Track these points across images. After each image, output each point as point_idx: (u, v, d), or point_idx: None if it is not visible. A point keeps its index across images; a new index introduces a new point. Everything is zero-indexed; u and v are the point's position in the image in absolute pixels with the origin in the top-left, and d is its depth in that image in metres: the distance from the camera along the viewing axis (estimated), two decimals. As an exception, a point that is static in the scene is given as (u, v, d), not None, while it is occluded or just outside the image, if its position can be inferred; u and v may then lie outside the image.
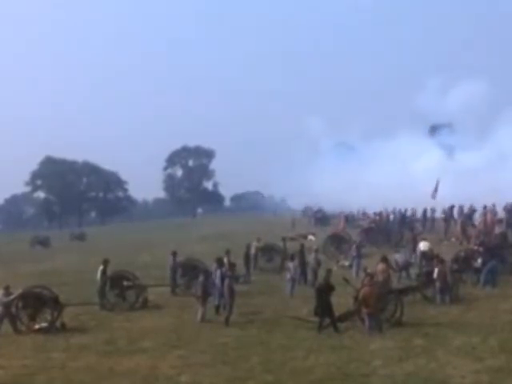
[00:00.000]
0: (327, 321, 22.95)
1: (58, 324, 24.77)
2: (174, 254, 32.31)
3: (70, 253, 57.62)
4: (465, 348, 19.90)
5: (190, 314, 26.36)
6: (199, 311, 25.40)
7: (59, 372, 19.10)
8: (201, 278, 26.10)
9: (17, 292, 25.00)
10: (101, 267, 28.92)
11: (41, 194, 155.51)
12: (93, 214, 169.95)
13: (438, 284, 26.21)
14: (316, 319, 23.18)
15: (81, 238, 78.90)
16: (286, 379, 17.70)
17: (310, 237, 51.86)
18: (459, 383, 16.79)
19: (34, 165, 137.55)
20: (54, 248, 67.32)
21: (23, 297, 24.89)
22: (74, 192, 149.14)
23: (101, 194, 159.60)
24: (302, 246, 34.91)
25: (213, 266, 28.27)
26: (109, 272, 29.11)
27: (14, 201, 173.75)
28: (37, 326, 24.60)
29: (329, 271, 23.92)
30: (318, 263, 32.91)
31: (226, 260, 29.24)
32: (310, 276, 32.60)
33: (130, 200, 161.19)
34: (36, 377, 18.62)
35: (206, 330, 24.10)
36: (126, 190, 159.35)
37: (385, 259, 26.72)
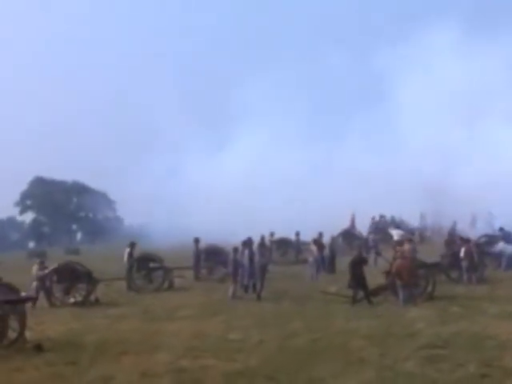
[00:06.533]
0: (360, 294, 23.33)
1: (92, 298, 24.99)
2: (197, 240, 32.61)
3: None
4: (502, 314, 20.34)
5: (218, 294, 26.64)
6: (230, 288, 25.77)
7: (107, 332, 19.41)
8: (232, 256, 26.43)
9: (52, 266, 25.22)
10: (127, 249, 29.25)
11: (29, 216, 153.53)
12: (79, 235, 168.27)
13: (464, 263, 26.67)
14: (349, 293, 23.54)
15: (75, 252, 78.44)
16: (334, 336, 18.03)
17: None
18: (507, 339, 17.06)
19: (21, 187, 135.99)
20: (52, 259, 66.96)
21: (58, 271, 25.19)
22: (64, 212, 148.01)
23: (90, 215, 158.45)
24: (320, 234, 35.12)
25: (240, 248, 28.50)
26: (135, 254, 29.33)
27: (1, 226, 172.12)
28: (71, 300, 24.84)
29: (360, 247, 24.35)
30: (334, 253, 33.53)
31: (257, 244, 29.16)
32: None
33: (118, 220, 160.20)
34: (86, 336, 18.89)
35: (239, 303, 24.43)
36: (114, 210, 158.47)
37: (410, 240, 27.17)
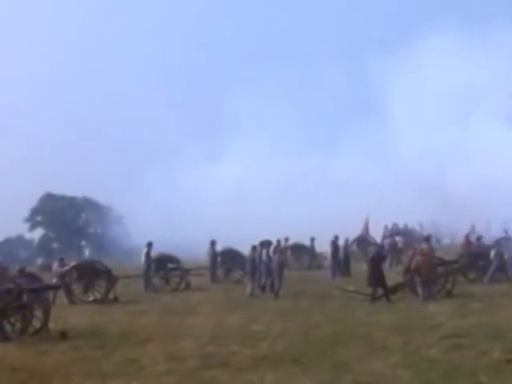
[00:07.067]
0: (380, 292, 23.39)
1: (111, 296, 25.10)
2: (213, 242, 32.73)
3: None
4: (523, 310, 20.31)
5: (236, 293, 26.75)
6: (248, 286, 25.87)
7: (129, 324, 19.58)
8: (250, 254, 26.54)
9: (71, 263, 25.37)
10: (145, 250, 29.35)
11: (39, 232, 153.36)
12: (87, 251, 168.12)
13: (495, 263, 26.93)
14: (368, 291, 23.60)
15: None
16: (356, 327, 18.12)
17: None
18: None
19: (31, 203, 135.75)
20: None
21: (78, 268, 25.31)
22: (73, 228, 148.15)
23: (99, 230, 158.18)
24: (336, 237, 35.14)
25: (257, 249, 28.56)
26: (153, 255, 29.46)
27: (8, 244, 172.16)
28: (91, 298, 24.96)
29: (381, 245, 24.44)
30: (348, 256, 33.72)
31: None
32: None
33: (127, 235, 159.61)
34: (109, 326, 19.02)
35: (257, 301, 24.52)
36: (123, 225, 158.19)
37: (428, 239, 27.21)
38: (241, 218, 51.72)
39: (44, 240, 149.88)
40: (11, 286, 17.49)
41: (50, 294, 20.33)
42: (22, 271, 20.76)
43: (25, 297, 17.21)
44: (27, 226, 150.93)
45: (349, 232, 38.77)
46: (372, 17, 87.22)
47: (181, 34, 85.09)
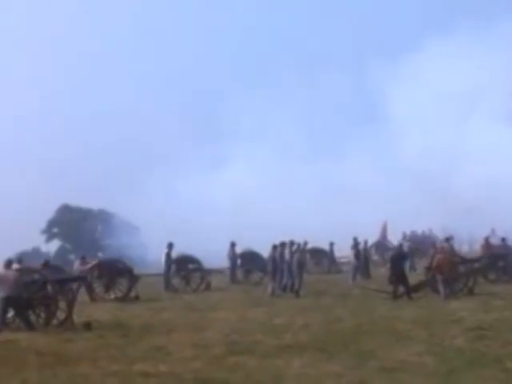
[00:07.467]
0: (401, 290, 23.37)
1: (132, 294, 25.20)
2: (233, 244, 32.79)
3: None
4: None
5: (257, 292, 26.78)
6: (269, 285, 25.93)
7: (152, 318, 19.68)
8: (271, 254, 26.59)
9: (93, 262, 25.49)
10: (165, 250, 29.41)
11: (55, 244, 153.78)
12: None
13: None
14: (389, 289, 23.59)
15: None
16: (379, 321, 18.11)
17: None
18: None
19: (48, 215, 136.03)
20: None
21: (99, 266, 25.42)
22: (89, 240, 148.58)
23: (115, 242, 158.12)
24: (355, 239, 35.08)
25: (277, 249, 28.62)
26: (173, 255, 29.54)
27: (25, 257, 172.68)
28: (112, 296, 25.07)
29: (401, 245, 24.46)
30: (368, 259, 33.80)
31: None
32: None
33: (143, 247, 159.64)
34: (133, 320, 19.15)
35: (278, 299, 24.55)
36: (138, 236, 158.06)
37: (447, 239, 27.22)
38: (244, 223, 51.57)
39: (61, 252, 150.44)
40: (36, 276, 17.64)
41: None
42: (46, 264, 20.92)
43: (49, 288, 17.33)
44: (43, 237, 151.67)
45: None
46: (373, 23, 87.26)
47: (184, 40, 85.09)
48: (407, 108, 60.22)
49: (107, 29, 77.88)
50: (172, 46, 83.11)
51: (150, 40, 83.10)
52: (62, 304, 17.70)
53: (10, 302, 16.80)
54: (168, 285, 28.84)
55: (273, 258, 26.39)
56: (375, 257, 42.38)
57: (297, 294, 25.12)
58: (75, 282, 19.99)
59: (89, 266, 25.32)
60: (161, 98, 77.69)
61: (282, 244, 27.52)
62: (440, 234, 47.01)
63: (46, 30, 78.06)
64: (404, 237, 47.35)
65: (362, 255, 33.64)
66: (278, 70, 72.52)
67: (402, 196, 53.95)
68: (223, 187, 60.50)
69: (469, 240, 48.12)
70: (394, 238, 43.13)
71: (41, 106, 77.93)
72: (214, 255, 34.62)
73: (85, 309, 22.10)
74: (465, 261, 24.57)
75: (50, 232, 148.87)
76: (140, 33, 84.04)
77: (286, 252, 26.82)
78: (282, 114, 68.58)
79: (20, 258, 18.59)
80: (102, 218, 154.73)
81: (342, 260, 40.09)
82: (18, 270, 17.51)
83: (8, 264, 17.19)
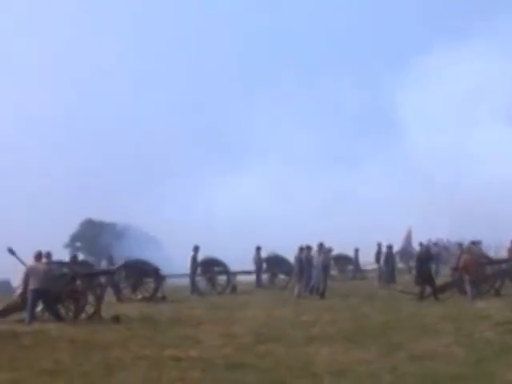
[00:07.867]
0: (428, 290, 23.29)
1: (159, 295, 25.30)
2: (258, 248, 32.80)
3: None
4: None
5: (283, 295, 26.82)
6: (295, 287, 25.97)
7: (179, 314, 19.72)
8: (297, 255, 26.63)
9: (120, 262, 25.63)
10: (191, 253, 29.47)
11: (79, 258, 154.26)
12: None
13: None
14: (416, 291, 23.54)
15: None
16: (406, 317, 18.08)
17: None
18: None
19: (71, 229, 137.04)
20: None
21: (126, 267, 25.55)
22: (113, 254, 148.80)
23: (138, 256, 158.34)
24: (379, 244, 34.97)
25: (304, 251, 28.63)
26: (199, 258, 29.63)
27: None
28: (139, 296, 25.18)
29: (428, 246, 24.39)
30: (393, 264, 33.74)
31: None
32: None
33: (167, 260, 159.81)
34: (160, 316, 19.25)
35: (305, 300, 24.56)
36: (161, 251, 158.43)
37: (474, 243, 27.08)
38: (257, 233, 51.38)
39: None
40: (66, 270, 17.81)
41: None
42: (74, 258, 21.06)
43: (78, 282, 17.49)
44: (67, 252, 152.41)
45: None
46: (382, 32, 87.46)
47: (198, 50, 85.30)
48: (421, 115, 60.14)
49: (123, 34, 78.30)
50: (187, 58, 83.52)
51: (167, 49, 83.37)
52: (91, 298, 17.81)
53: (39, 294, 16.95)
54: (194, 288, 28.89)
55: (299, 259, 26.41)
56: (400, 264, 42.01)
57: (322, 295, 25.10)
58: (104, 275, 20.09)
59: (115, 266, 25.43)
60: (173, 107, 77.38)
61: (309, 247, 27.53)
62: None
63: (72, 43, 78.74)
64: (430, 241, 47.38)
65: (385, 260, 33.41)
66: (291, 80, 72.84)
67: (420, 205, 53.70)
68: (236, 196, 60.49)
69: (495, 246, 47.71)
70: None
71: (65, 120, 78.19)
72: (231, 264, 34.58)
73: (112, 307, 22.32)
74: (492, 262, 24.39)
75: (73, 246, 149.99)
76: (156, 42, 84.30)
77: (314, 254, 26.75)
78: (294, 124, 68.78)
79: (48, 253, 18.64)
80: (126, 231, 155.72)
81: (368, 267, 39.95)
82: (48, 263, 17.66)
83: (38, 256, 17.31)
